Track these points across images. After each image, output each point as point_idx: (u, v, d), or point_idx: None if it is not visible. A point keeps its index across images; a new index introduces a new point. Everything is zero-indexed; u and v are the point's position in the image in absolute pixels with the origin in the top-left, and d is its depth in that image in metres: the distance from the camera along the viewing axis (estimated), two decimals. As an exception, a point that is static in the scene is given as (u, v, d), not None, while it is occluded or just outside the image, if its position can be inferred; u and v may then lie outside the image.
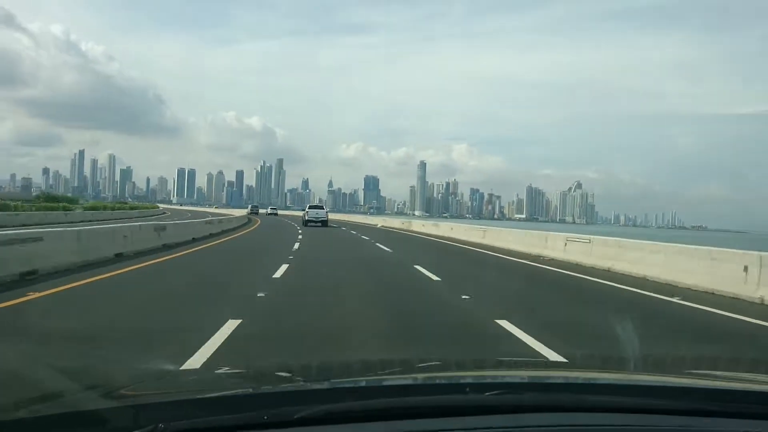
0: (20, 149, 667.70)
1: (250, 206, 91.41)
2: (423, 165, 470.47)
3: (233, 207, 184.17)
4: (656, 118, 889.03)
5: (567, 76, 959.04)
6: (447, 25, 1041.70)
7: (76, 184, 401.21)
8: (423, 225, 39.02)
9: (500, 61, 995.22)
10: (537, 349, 5.63)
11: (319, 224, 38.29)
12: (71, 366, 3.98)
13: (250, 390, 1.73)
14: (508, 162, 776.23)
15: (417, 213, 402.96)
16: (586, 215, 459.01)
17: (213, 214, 57.62)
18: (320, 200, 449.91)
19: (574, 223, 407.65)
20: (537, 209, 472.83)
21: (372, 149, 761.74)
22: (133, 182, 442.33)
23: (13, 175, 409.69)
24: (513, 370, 2.54)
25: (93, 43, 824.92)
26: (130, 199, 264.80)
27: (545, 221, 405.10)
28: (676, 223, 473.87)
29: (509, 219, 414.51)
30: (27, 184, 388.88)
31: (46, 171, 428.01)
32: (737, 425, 1.44)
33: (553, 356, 5.31)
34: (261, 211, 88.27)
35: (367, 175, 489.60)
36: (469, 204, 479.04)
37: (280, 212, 56.94)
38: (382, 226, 46.53)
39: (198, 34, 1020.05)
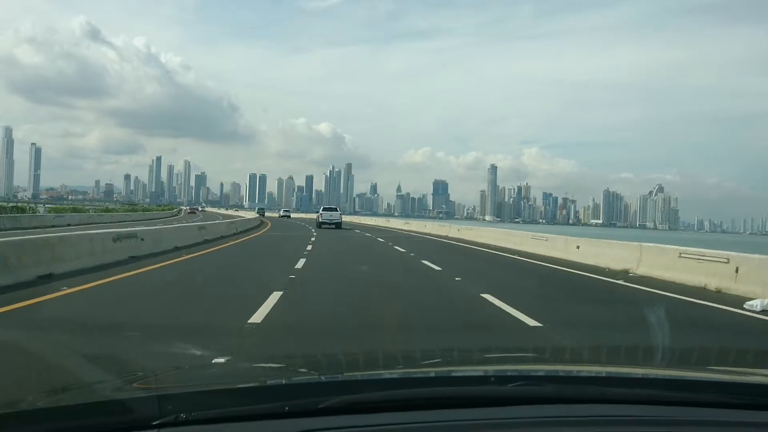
0: (108, 157, 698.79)
1: (257, 208, 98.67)
2: (494, 169, 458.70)
3: (303, 211, 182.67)
4: (746, 118, 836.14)
5: (642, 76, 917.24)
6: (515, 28, 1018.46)
7: (153, 190, 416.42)
8: (458, 230, 34.34)
9: (570, 62, 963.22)
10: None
11: (333, 226, 38.96)
12: (101, 354, 4.58)
13: (271, 381, 1.75)
14: (581, 166, 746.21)
15: (487, 218, 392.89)
16: (669, 221, 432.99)
17: (224, 216, 63.90)
18: (389, 205, 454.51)
19: (655, 228, 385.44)
20: (615, 214, 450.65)
21: (440, 154, 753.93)
22: (208, 187, 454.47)
23: (97, 182, 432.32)
24: (534, 363, 2.57)
25: (171, 54, 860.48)
26: (203, 203, 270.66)
27: (623, 227, 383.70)
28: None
29: (585, 224, 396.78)
30: (109, 189, 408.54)
31: (127, 177, 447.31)
32: (759, 417, 1.48)
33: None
34: (269, 214, 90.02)
35: (436, 180, 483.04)
36: (543, 209, 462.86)
37: (346, 218, 53.83)
38: (413, 231, 41.55)
39: (270, 44, 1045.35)
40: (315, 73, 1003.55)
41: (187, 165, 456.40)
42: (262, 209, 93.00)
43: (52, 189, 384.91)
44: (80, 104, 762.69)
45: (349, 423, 1.34)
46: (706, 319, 8.23)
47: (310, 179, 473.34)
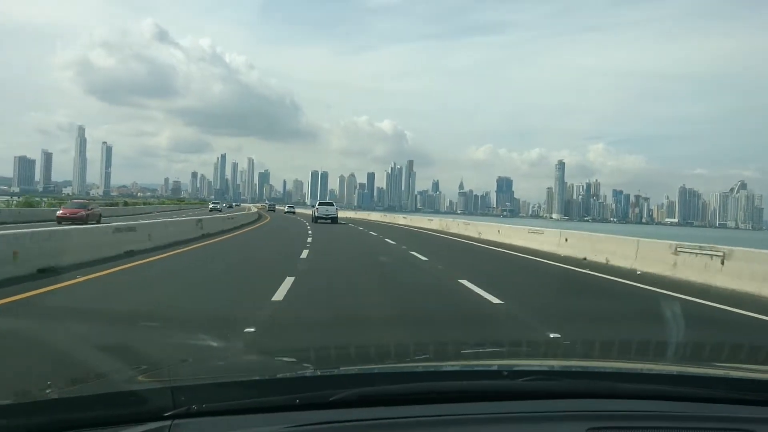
0: (178, 156, 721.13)
1: (267, 203, 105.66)
2: (561, 165, 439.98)
3: (363, 209, 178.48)
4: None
5: (714, 66, 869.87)
6: (580, 19, 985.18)
7: (218, 187, 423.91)
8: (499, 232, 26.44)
9: (637, 54, 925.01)
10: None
11: (329, 221, 38.61)
12: (113, 344, 4.71)
13: (283, 374, 1.77)
14: (651, 162, 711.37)
15: (555, 216, 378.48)
16: (752, 220, 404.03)
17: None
18: (450, 202, 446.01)
19: (737, 228, 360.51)
20: (691, 212, 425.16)
21: (502, 151, 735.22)
22: (271, 185, 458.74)
23: (166, 179, 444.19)
24: (545, 359, 2.57)
25: (236, 53, 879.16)
26: (267, 201, 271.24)
27: (701, 226, 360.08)
28: None
29: (659, 223, 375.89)
30: (176, 187, 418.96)
31: (194, 175, 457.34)
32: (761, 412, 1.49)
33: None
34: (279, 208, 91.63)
35: (499, 177, 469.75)
36: (613, 207, 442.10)
37: (409, 216, 51.09)
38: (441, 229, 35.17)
39: (333, 42, 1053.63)
40: (377, 71, 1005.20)
41: (251, 163, 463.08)
42: (273, 204, 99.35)
43: (123, 186, 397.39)
44: (151, 104, 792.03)
45: (360, 416, 1.34)
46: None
47: (371, 176, 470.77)
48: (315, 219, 39.33)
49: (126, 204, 74.92)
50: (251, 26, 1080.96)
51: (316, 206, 41.89)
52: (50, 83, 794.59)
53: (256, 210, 63.53)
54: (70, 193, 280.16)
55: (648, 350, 3.47)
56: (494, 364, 2.12)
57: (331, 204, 42.89)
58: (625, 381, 1.66)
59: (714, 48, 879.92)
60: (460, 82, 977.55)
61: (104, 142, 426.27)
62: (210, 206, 74.73)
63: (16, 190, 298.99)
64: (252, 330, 5.84)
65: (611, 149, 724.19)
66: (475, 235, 27.09)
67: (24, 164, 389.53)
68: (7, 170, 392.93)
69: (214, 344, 4.90)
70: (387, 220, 51.57)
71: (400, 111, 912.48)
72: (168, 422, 1.28)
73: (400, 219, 49.83)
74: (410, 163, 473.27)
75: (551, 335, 6.00)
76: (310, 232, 27.65)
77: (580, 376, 1.78)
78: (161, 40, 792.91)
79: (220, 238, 21.25)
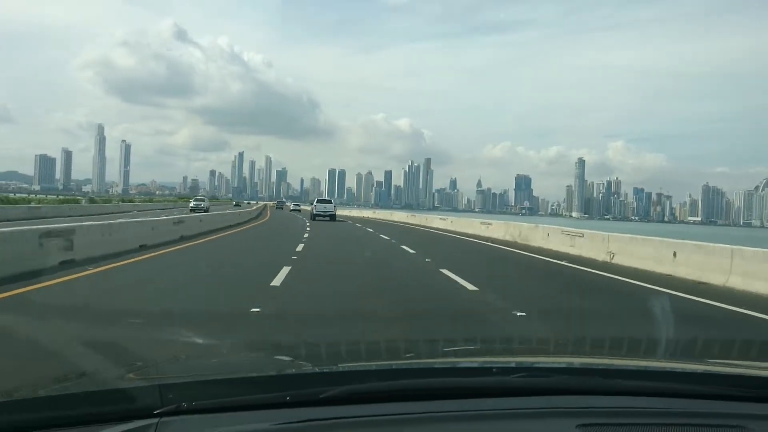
0: (197, 154, 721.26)
1: (277, 201, 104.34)
2: (581, 163, 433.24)
3: (381, 207, 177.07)
4: None
5: (734, 63, 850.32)
6: (597, 17, 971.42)
7: (236, 185, 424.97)
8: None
9: (656, 52, 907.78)
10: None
11: (327, 218, 39.40)
12: (102, 341, 4.70)
13: (273, 371, 1.76)
14: (671, 160, 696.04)
15: (574, 214, 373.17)
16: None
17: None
18: (468, 200, 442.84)
19: (762, 227, 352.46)
20: (715, 211, 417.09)
21: (520, 149, 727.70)
22: (288, 183, 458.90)
23: (185, 178, 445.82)
24: (535, 355, 2.58)
25: (253, 52, 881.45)
26: (278, 199, 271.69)
27: (725, 224, 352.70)
28: None
29: (681, 222, 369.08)
30: (194, 185, 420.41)
31: (212, 173, 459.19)
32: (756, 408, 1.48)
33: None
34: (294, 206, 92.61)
35: (518, 175, 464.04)
36: (634, 205, 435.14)
37: (429, 216, 48.91)
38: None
39: (349, 40, 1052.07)
40: (394, 69, 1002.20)
41: (268, 161, 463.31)
42: (282, 202, 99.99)
43: (142, 185, 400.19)
44: (170, 103, 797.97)
45: (350, 413, 1.34)
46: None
47: (389, 174, 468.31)
48: (313, 216, 40.47)
49: (92, 201, 65.48)
50: (268, 25, 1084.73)
51: (315, 204, 43.52)
52: (71, 83, 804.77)
53: (255, 207, 63.97)
54: (90, 191, 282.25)
55: (639, 347, 3.52)
56: (484, 360, 2.11)
57: (329, 201, 45.05)
58: (614, 377, 1.66)
59: (734, 45, 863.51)
60: (476, 80, 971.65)
61: (123, 141, 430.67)
62: (192, 204, 58.83)
63: (37, 188, 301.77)
64: None
65: (631, 147, 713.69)
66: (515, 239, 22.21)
67: (45, 163, 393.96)
68: (29, 169, 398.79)
69: (203, 342, 4.88)
70: (415, 222, 42.09)
71: (417, 109, 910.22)
72: (156, 420, 1.27)
73: (436, 221, 37.76)
74: (428, 161, 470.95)
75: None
76: (307, 231, 25.74)
77: (569, 372, 1.79)
78: (180, 40, 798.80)
79: (166, 250, 14.42)
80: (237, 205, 75.21)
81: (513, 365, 1.85)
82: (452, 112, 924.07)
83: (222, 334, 5.39)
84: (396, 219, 49.54)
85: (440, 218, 38.78)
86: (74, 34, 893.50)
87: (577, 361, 2.22)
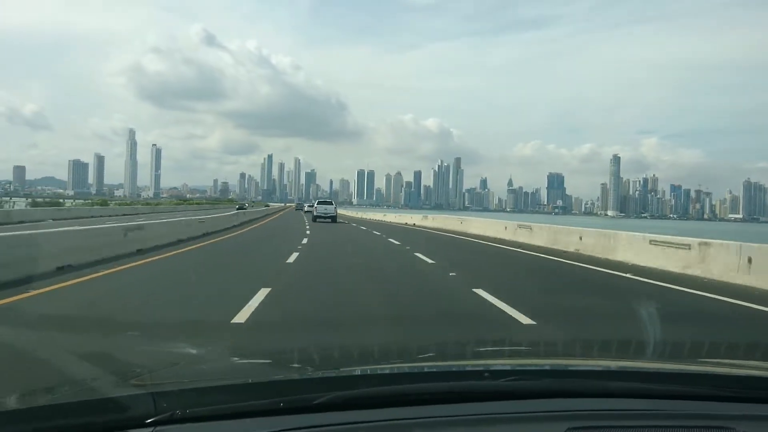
0: (227, 158, 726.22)
1: (295, 202, 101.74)
2: (616, 160, 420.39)
3: (412, 207, 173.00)
4: None
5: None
6: (627, 11, 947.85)
7: (265, 188, 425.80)
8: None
9: (690, 45, 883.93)
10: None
11: (329, 219, 39.81)
12: (95, 351, 4.65)
13: (266, 377, 1.78)
14: (708, 156, 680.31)
15: (610, 213, 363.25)
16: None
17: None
18: (500, 200, 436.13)
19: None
20: (757, 207, 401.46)
21: (550, 147, 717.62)
22: (317, 184, 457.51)
23: (215, 181, 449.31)
24: (527, 358, 2.60)
25: (281, 55, 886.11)
26: (312, 200, 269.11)
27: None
28: None
29: (722, 219, 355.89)
30: (225, 188, 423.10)
31: (242, 176, 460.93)
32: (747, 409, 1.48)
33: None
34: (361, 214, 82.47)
35: (550, 173, 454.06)
36: (672, 202, 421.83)
37: (464, 216, 45.28)
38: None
39: (377, 41, 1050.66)
40: (422, 69, 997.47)
41: (297, 163, 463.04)
42: (301, 204, 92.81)
43: (173, 188, 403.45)
44: (201, 107, 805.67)
45: (344, 419, 1.34)
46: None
47: (418, 175, 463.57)
48: (314, 218, 40.73)
49: (104, 203, 73.09)
50: (296, 28, 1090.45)
51: (315, 205, 43.95)
52: (104, 89, 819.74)
53: (263, 209, 65.24)
54: (122, 195, 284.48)
55: (629, 348, 3.55)
56: (475, 364, 2.11)
57: (330, 203, 45.27)
58: (605, 379, 1.66)
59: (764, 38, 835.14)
60: (505, 78, 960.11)
61: (154, 145, 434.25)
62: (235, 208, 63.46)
63: (71, 193, 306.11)
64: None
65: (666, 143, 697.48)
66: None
67: (78, 168, 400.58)
68: (63, 174, 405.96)
69: (196, 350, 4.75)
70: (433, 225, 35.46)
71: (446, 109, 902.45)
72: (150, 429, 1.27)
73: (472, 226, 28.94)
74: (457, 161, 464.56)
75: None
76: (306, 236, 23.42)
77: (560, 375, 1.78)
78: (209, 44, 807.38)
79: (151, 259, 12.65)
80: (241, 207, 73.25)
81: (503, 368, 1.84)
82: (481, 111, 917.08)
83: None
84: (403, 222, 44.21)
85: (459, 220, 32.98)
86: (107, 42, 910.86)
87: (567, 363, 2.21)
